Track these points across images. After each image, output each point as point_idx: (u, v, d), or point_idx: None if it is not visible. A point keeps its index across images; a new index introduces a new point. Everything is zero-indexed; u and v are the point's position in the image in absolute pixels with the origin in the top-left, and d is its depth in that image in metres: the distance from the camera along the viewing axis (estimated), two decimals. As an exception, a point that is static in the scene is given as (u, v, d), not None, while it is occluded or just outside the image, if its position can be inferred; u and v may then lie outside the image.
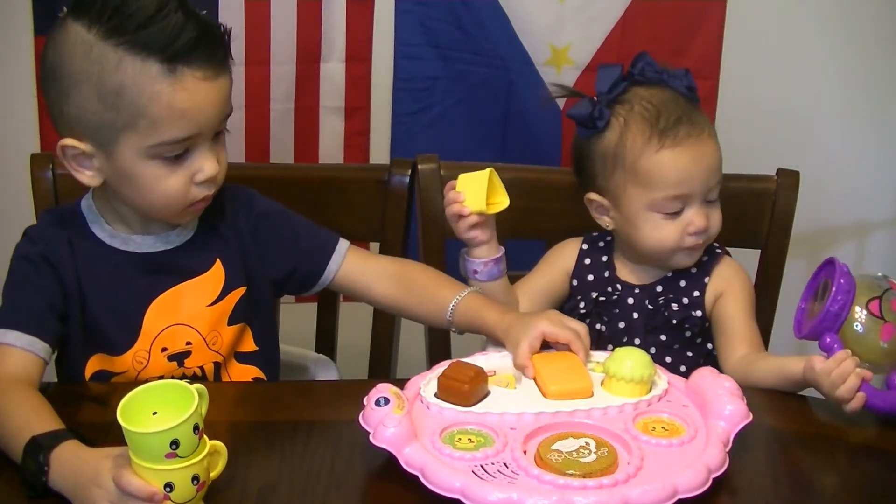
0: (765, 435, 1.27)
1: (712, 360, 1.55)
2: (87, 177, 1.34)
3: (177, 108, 1.27)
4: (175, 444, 1.03)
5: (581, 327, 1.34)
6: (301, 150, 2.28)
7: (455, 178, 1.52)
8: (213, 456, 1.10)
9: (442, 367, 1.27)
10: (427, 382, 1.26)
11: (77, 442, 1.13)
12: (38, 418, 1.17)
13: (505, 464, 1.12)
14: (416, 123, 2.29)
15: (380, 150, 2.30)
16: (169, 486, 1.04)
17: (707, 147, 1.48)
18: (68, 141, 1.31)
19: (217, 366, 1.44)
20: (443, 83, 2.27)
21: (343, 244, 1.52)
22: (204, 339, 1.42)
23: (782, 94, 2.31)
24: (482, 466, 1.11)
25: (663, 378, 1.29)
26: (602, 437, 1.17)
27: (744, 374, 1.41)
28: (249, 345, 1.48)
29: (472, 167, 1.56)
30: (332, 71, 2.24)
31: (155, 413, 1.07)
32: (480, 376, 1.24)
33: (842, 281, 1.31)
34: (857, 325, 1.32)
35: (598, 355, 1.34)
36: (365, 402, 1.18)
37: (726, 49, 2.24)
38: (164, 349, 1.40)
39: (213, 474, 1.10)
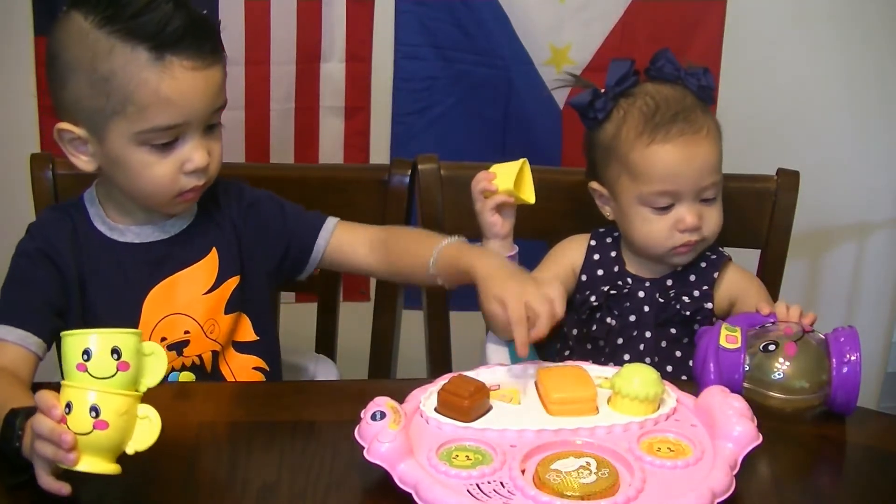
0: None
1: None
2: (83, 161, 1.37)
3: (163, 96, 1.30)
4: (87, 354, 1.01)
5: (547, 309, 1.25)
6: (301, 150, 2.28)
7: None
8: (143, 421, 1.04)
9: (443, 380, 1.25)
10: (427, 396, 1.23)
11: None
12: (17, 398, 1.15)
13: (501, 483, 1.09)
14: (416, 123, 2.29)
15: (380, 150, 2.29)
16: (68, 407, 1.01)
17: (701, 146, 1.49)
18: (64, 125, 1.35)
19: (215, 354, 1.45)
20: (443, 83, 2.27)
21: (331, 221, 1.53)
22: (201, 328, 1.43)
23: (782, 93, 2.31)
24: (478, 485, 1.09)
25: (672, 396, 1.25)
26: (604, 457, 1.13)
27: None
28: (249, 335, 1.49)
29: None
30: (332, 71, 2.24)
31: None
32: (481, 391, 1.21)
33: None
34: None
35: (605, 371, 1.30)
36: (361, 415, 1.16)
37: (726, 49, 2.24)
38: (163, 339, 1.41)
39: (140, 447, 1.04)
